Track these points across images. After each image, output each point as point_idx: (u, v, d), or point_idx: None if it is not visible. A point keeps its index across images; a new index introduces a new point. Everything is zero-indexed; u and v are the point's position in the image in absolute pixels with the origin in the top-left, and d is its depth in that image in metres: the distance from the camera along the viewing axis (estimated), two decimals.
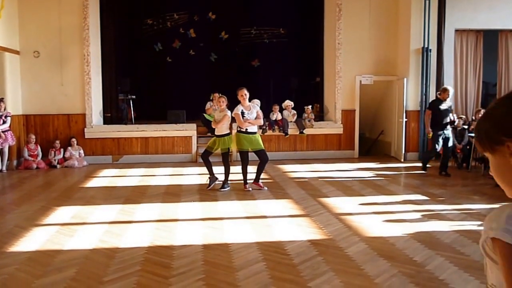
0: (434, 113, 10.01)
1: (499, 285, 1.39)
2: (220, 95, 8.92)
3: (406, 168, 11.37)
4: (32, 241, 5.71)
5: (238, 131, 8.55)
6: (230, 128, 8.85)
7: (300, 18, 14.92)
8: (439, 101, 10.08)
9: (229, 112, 8.55)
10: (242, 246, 5.44)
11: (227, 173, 8.67)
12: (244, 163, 8.55)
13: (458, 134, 10.91)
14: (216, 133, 8.73)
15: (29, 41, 11.93)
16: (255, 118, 8.51)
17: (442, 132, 9.97)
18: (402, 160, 12.30)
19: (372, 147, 14.10)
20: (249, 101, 8.78)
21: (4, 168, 10.79)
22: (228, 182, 8.72)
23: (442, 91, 10.20)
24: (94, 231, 6.13)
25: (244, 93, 8.47)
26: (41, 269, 4.77)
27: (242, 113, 8.40)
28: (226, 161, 8.69)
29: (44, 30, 11.96)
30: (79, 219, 6.74)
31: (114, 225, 6.40)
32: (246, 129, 8.46)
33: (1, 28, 11.01)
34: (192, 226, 6.40)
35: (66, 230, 6.18)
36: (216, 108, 9.02)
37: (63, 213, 7.07)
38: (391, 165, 11.80)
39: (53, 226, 6.35)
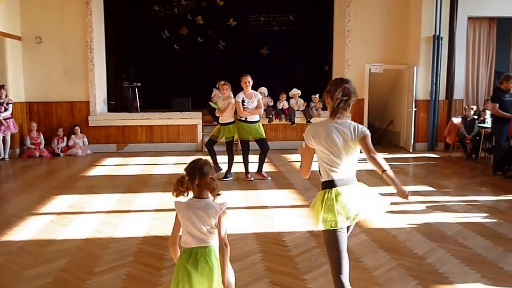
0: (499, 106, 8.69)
1: None
2: (224, 82, 8.73)
3: (415, 159, 11.14)
4: (26, 230, 5.62)
5: (238, 120, 8.38)
6: (235, 116, 8.66)
7: (310, 4, 14.64)
8: (502, 91, 8.72)
9: (233, 100, 8.37)
10: (239, 237, 5.30)
11: (230, 162, 8.52)
12: (245, 152, 8.40)
13: (468, 124, 10.66)
14: (220, 121, 8.58)
15: (30, 26, 11.76)
16: (256, 107, 8.32)
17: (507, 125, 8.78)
18: (411, 150, 12.08)
19: (381, 137, 13.85)
20: (256, 89, 8.58)
21: (6, 156, 10.72)
22: (231, 172, 8.57)
23: (504, 79, 8.77)
24: (90, 220, 6.02)
25: (248, 80, 8.27)
26: (32, 260, 4.67)
27: (243, 101, 8.22)
28: (230, 150, 8.53)
29: (46, 15, 11.79)
30: (76, 208, 6.64)
31: (111, 215, 6.29)
32: (246, 118, 8.29)
33: (1, 14, 10.86)
34: None
35: (62, 219, 6.07)
36: (220, 96, 8.83)
37: (61, 202, 6.98)
38: (400, 155, 11.55)
39: (49, 216, 6.25)
